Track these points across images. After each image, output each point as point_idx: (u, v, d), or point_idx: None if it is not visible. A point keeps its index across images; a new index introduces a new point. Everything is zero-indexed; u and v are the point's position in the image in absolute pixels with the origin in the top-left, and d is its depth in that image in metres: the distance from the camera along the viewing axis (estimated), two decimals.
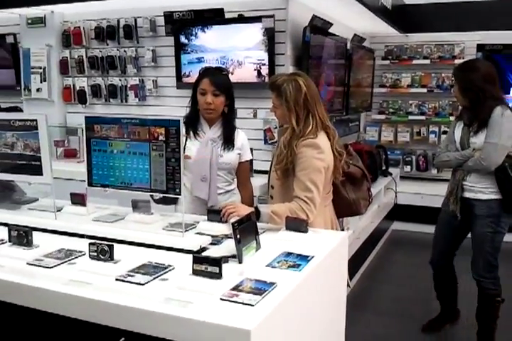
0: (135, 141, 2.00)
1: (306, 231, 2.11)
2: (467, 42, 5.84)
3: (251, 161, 2.95)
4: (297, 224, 2.11)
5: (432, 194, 5.70)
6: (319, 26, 4.05)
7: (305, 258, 1.83)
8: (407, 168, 6.17)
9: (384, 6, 4.60)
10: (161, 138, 1.94)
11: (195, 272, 1.59)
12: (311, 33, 3.82)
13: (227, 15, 3.84)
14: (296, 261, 1.81)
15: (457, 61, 5.81)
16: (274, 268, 1.75)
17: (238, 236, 1.77)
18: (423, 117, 6.04)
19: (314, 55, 4.00)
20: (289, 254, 1.88)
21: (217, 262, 1.56)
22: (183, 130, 1.92)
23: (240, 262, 1.78)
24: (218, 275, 1.56)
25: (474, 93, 2.93)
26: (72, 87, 4.63)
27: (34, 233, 1.94)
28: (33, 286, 1.61)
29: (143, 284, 1.59)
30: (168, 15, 4.06)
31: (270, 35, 3.68)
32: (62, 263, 1.78)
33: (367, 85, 5.86)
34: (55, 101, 4.67)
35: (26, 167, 2.21)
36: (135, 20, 4.28)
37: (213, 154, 2.64)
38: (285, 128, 2.45)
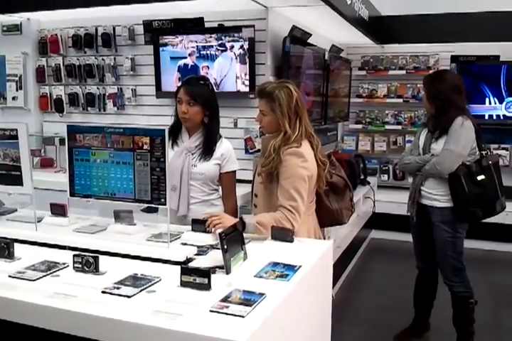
0: (119, 150, 1.98)
1: (291, 240, 2.10)
2: (441, 53, 5.96)
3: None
4: (283, 234, 2.11)
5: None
6: (299, 37, 4.09)
7: (292, 268, 1.83)
8: (384, 177, 6.24)
9: (361, 17, 4.66)
10: (145, 147, 1.92)
11: (183, 284, 1.57)
12: (291, 43, 3.85)
13: (207, 25, 3.84)
14: (284, 271, 1.80)
15: (432, 72, 5.94)
16: (262, 278, 1.75)
17: (225, 247, 1.76)
18: (399, 127, 6.13)
19: (294, 65, 4.03)
20: (276, 264, 1.87)
21: (206, 273, 1.55)
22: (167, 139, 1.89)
23: (228, 273, 1.76)
24: (207, 287, 1.55)
25: (440, 102, 3.07)
26: (48, 95, 4.56)
27: (15, 245, 1.89)
28: (16, 300, 1.56)
29: (130, 296, 1.57)
30: (148, 24, 4.04)
31: (250, 45, 3.69)
32: (45, 275, 1.74)
33: (344, 95, 5.92)
34: (32, 110, 4.59)
35: (6, 177, 2.17)
36: (113, 29, 4.25)
37: (185, 164, 2.60)
38: (269, 137, 2.45)
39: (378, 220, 5.79)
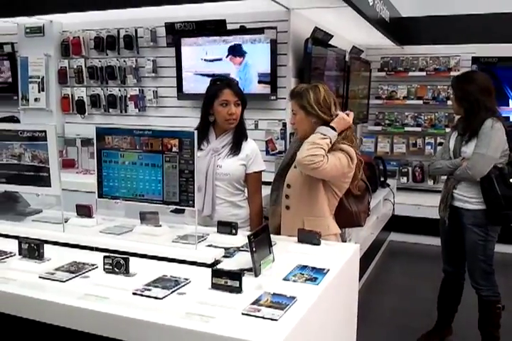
0: (148, 152, 1.98)
1: (318, 243, 2.09)
2: (462, 54, 5.90)
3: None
4: (310, 237, 2.10)
5: (428, 205, 5.71)
6: (320, 38, 4.08)
7: (321, 272, 1.82)
8: (404, 179, 6.19)
9: (383, 18, 4.64)
10: (174, 149, 1.92)
11: (214, 286, 1.57)
12: (313, 44, 3.84)
13: (229, 27, 3.84)
14: (312, 274, 1.79)
15: (453, 73, 5.86)
16: (291, 281, 1.74)
17: (254, 249, 1.75)
18: (419, 129, 6.07)
19: (315, 66, 4.02)
20: (304, 267, 1.86)
21: (238, 276, 1.54)
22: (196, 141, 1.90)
23: (256, 275, 1.76)
24: (238, 289, 1.54)
25: (469, 103, 3.03)
26: (70, 96, 4.60)
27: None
28: (47, 300, 1.57)
29: (161, 298, 1.57)
30: (169, 26, 4.06)
31: (273, 46, 3.69)
32: (75, 276, 1.75)
33: (363, 97, 5.89)
34: (53, 111, 4.64)
35: (34, 178, 2.18)
36: (135, 31, 4.28)
37: (210, 164, 2.62)
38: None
39: (397, 223, 5.75)
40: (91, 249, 2.07)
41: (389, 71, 6.16)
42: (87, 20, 4.39)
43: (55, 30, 4.57)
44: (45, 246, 1.94)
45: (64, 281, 1.71)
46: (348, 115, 2.43)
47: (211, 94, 2.64)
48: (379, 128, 6.23)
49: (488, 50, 5.69)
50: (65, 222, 2.31)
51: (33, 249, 1.83)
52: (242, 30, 3.80)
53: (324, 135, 2.30)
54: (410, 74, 6.06)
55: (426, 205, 5.69)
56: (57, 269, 1.79)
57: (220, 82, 2.70)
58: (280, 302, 1.52)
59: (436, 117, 6.06)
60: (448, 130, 5.86)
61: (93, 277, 1.74)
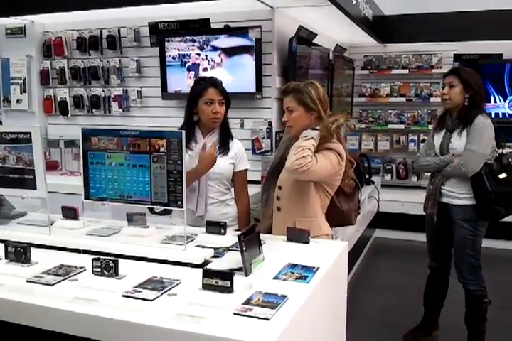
0: (135, 153, 1.96)
1: (308, 242, 2.10)
2: (444, 52, 5.96)
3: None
4: (299, 235, 2.10)
5: (412, 201, 5.77)
6: (304, 37, 4.09)
7: (311, 270, 1.82)
8: (388, 176, 6.24)
9: (366, 17, 4.67)
10: (162, 149, 1.91)
11: (205, 286, 1.56)
12: (297, 43, 3.85)
13: (213, 26, 3.83)
14: (303, 272, 1.79)
15: (435, 70, 5.95)
16: (282, 280, 1.74)
17: (244, 248, 1.75)
18: (402, 126, 6.13)
19: (300, 65, 4.02)
20: (293, 266, 1.86)
21: (229, 276, 1.54)
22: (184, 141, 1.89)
23: (247, 275, 1.76)
24: (230, 289, 1.54)
25: (475, 92, 3.03)
26: (53, 97, 4.56)
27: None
28: (35, 305, 1.55)
29: (151, 300, 1.55)
30: (153, 26, 4.04)
31: (257, 45, 3.69)
32: (63, 279, 1.72)
33: (347, 95, 5.92)
34: (36, 113, 4.59)
35: (19, 181, 2.15)
36: (118, 31, 4.25)
37: None
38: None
39: (382, 219, 5.79)
40: (78, 251, 2.05)
41: (372, 69, 6.21)
42: (69, 21, 4.35)
43: (37, 31, 4.51)
44: (32, 249, 1.92)
45: (52, 285, 1.68)
46: None
47: (196, 93, 2.64)
48: (363, 125, 6.28)
49: (469, 47, 5.78)
50: (51, 224, 2.29)
51: (19, 253, 1.81)
52: (227, 30, 3.79)
53: (307, 137, 2.28)
54: (393, 72, 6.11)
55: (410, 202, 5.75)
56: (44, 273, 1.77)
57: (203, 82, 2.70)
58: (271, 301, 1.52)
59: (419, 114, 6.12)
60: (431, 127, 5.96)
61: (82, 280, 1.72)
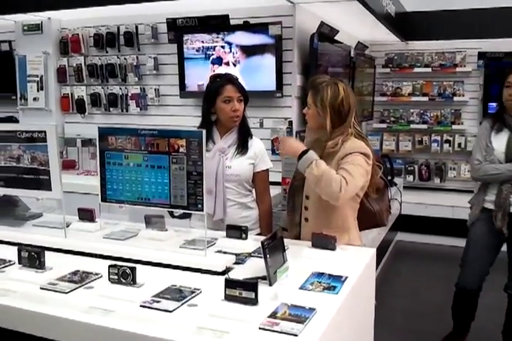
0: (153, 153, 1.87)
1: (334, 248, 1.99)
2: (468, 50, 5.79)
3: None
4: (325, 241, 2.00)
5: (436, 204, 5.64)
6: (326, 33, 3.97)
7: (339, 279, 1.71)
8: (410, 178, 6.09)
9: (389, 13, 4.53)
10: (181, 150, 1.81)
11: (227, 297, 1.46)
12: (319, 40, 3.73)
13: (232, 22, 3.73)
14: (330, 282, 1.69)
15: (458, 69, 5.80)
16: (308, 290, 1.63)
17: (268, 256, 1.65)
18: (425, 126, 5.97)
19: (321, 62, 3.91)
20: (320, 275, 1.76)
21: (254, 287, 1.44)
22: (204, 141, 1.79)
23: (271, 284, 1.65)
24: (254, 301, 1.44)
25: None
26: (70, 95, 4.49)
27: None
28: (49, 314, 1.47)
29: (171, 311, 1.46)
30: (171, 22, 3.95)
31: (277, 42, 3.58)
32: (78, 287, 1.64)
33: (368, 93, 5.78)
34: (53, 111, 4.53)
35: (34, 181, 2.07)
36: (136, 27, 4.17)
37: (219, 166, 2.51)
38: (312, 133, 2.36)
39: (404, 222, 5.65)
40: (95, 255, 1.96)
41: (393, 67, 6.05)
42: (86, 17, 4.28)
43: (54, 28, 4.45)
44: (46, 253, 1.84)
45: (67, 292, 1.60)
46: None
47: (213, 91, 2.53)
48: (384, 125, 6.13)
49: (494, 45, 5.61)
50: (67, 226, 2.21)
51: (33, 258, 1.73)
52: (246, 26, 3.69)
53: (309, 164, 2.05)
54: (415, 70, 5.95)
55: (433, 204, 5.62)
56: (59, 279, 1.69)
57: (219, 79, 2.59)
58: (299, 314, 1.41)
59: (442, 114, 5.96)
60: (455, 127, 5.81)
61: (98, 288, 1.63)
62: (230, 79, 2.54)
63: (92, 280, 1.70)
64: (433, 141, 6.00)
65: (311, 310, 1.44)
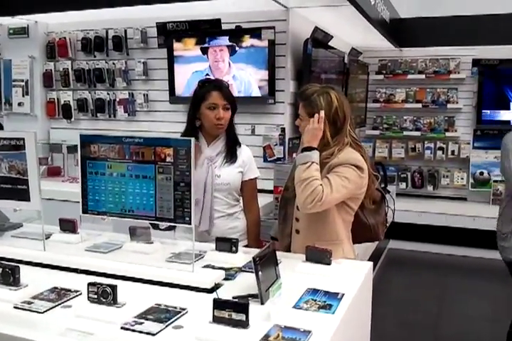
0: (138, 162, 1.77)
1: (329, 263, 1.88)
2: (462, 57, 5.74)
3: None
4: (319, 255, 1.89)
5: (429, 211, 5.57)
6: (320, 39, 3.89)
7: (335, 297, 1.61)
8: (403, 185, 6.02)
9: (383, 19, 4.46)
10: (168, 159, 1.71)
11: (216, 319, 1.35)
12: (313, 45, 3.65)
13: (224, 27, 3.64)
14: (326, 300, 1.59)
15: (452, 76, 5.74)
16: (303, 309, 1.53)
17: (260, 273, 1.54)
18: (418, 133, 5.90)
19: (315, 68, 3.82)
20: (315, 292, 1.65)
21: (244, 308, 1.33)
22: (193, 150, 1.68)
23: (263, 303, 1.54)
24: (245, 324, 1.33)
25: None
26: (56, 101, 4.37)
27: (21, 267, 1.67)
28: (22, 338, 1.35)
29: (154, 334, 1.35)
30: (161, 26, 3.85)
31: (270, 47, 3.49)
32: (55, 306, 1.53)
33: (361, 100, 5.72)
34: (38, 116, 4.41)
35: (11, 191, 1.96)
36: (125, 31, 4.07)
37: (208, 175, 2.41)
38: None
39: (397, 230, 5.56)
40: (75, 270, 1.85)
41: (387, 74, 5.99)
42: (74, 21, 4.17)
43: (40, 31, 4.34)
44: (23, 267, 1.72)
45: (42, 312, 1.49)
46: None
47: (198, 97, 2.43)
48: (377, 132, 6.06)
49: (489, 51, 5.56)
50: (48, 237, 2.11)
51: (7, 274, 1.61)
52: (238, 31, 3.59)
53: (305, 163, 2.00)
54: (409, 76, 5.89)
55: (426, 212, 5.54)
56: (35, 297, 1.57)
57: (208, 84, 2.49)
58: (293, 338, 1.31)
59: (435, 121, 5.90)
60: (449, 134, 5.75)
61: (76, 307, 1.52)
62: (217, 86, 2.45)
63: (71, 298, 1.58)
64: (426, 148, 5.93)
65: (306, 332, 1.34)
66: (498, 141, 5.65)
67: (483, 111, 5.65)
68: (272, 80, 3.56)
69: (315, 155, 2.02)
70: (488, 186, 5.75)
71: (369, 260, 4.32)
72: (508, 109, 5.60)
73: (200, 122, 2.43)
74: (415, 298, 4.26)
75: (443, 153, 5.87)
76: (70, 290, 1.63)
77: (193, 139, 1.67)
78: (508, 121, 5.59)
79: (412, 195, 5.99)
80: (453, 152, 5.85)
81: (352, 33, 4.73)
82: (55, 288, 1.65)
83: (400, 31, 5.42)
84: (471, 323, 3.19)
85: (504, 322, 2.98)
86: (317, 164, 2.01)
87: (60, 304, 1.54)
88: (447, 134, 5.80)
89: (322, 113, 2.07)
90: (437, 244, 5.46)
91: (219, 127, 2.41)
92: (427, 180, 5.97)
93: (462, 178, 5.88)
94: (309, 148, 2.04)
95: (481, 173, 5.80)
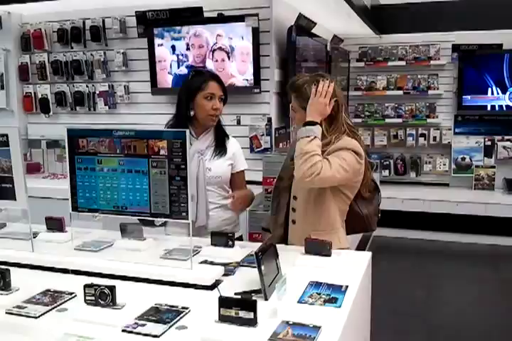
0: (130, 156, 1.69)
1: (329, 254, 1.85)
2: (442, 42, 5.75)
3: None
4: (319, 247, 1.85)
5: (412, 198, 5.59)
6: (304, 26, 3.83)
7: (339, 289, 1.57)
8: (386, 172, 6.02)
9: (365, 6, 4.42)
10: (162, 152, 1.64)
11: (222, 318, 1.30)
12: (297, 33, 3.58)
13: (206, 15, 3.55)
14: (331, 293, 1.54)
15: (433, 62, 5.75)
16: (308, 304, 1.48)
17: (263, 268, 1.49)
18: (400, 120, 5.92)
19: (299, 56, 3.76)
20: (318, 285, 1.61)
21: (252, 305, 1.28)
22: (188, 142, 1.62)
23: (267, 299, 1.50)
24: (253, 322, 1.28)
25: None
26: (33, 94, 4.26)
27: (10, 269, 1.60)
28: None
29: (158, 336, 1.29)
30: (141, 15, 3.75)
31: (254, 35, 3.42)
32: (50, 309, 1.45)
33: (342, 88, 5.67)
34: (15, 111, 4.30)
35: None
36: (103, 21, 3.96)
37: (200, 169, 2.35)
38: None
39: (381, 217, 5.56)
40: (66, 271, 1.77)
41: (368, 61, 5.96)
42: (49, 11, 4.05)
43: (14, 23, 4.21)
44: (12, 269, 1.64)
45: (37, 317, 1.41)
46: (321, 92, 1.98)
47: (195, 86, 2.35)
48: (359, 120, 6.04)
49: (468, 37, 5.58)
50: (34, 237, 2.01)
51: None
52: (221, 18, 3.51)
53: (307, 136, 1.96)
54: (390, 63, 5.88)
55: (409, 198, 5.56)
56: (27, 301, 1.49)
57: (201, 75, 2.42)
58: (303, 334, 1.26)
59: (417, 108, 5.92)
60: (430, 120, 5.76)
61: (72, 310, 1.45)
62: (214, 76, 2.40)
63: (66, 301, 1.50)
64: (408, 135, 5.96)
65: (316, 328, 1.30)
66: (479, 127, 5.67)
67: (463, 96, 5.68)
68: (256, 69, 3.49)
69: (317, 130, 1.97)
70: (469, 172, 5.79)
71: (357, 249, 4.35)
72: (486, 93, 5.64)
73: (193, 113, 2.36)
74: (403, 285, 4.28)
75: (425, 140, 5.90)
76: (63, 293, 1.55)
77: (187, 131, 1.60)
78: (485, 106, 5.64)
79: (395, 182, 6.01)
80: (435, 138, 5.89)
81: (333, 21, 4.68)
82: (48, 290, 1.57)
83: (381, 18, 5.39)
84: (460, 307, 3.20)
85: (492, 305, 2.99)
86: (319, 139, 1.97)
87: (55, 307, 1.46)
88: (429, 121, 5.82)
89: (332, 85, 1.98)
90: (422, 230, 5.50)
91: (214, 118, 2.35)
92: (409, 167, 6.00)
93: (444, 164, 5.92)
94: (312, 123, 1.98)
95: (463, 159, 5.84)
